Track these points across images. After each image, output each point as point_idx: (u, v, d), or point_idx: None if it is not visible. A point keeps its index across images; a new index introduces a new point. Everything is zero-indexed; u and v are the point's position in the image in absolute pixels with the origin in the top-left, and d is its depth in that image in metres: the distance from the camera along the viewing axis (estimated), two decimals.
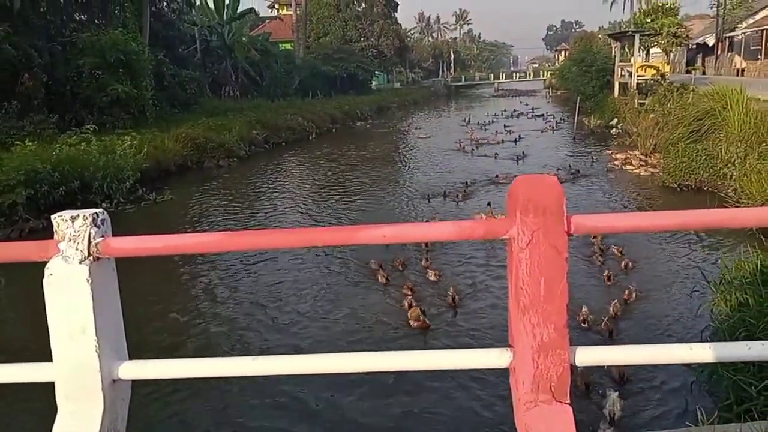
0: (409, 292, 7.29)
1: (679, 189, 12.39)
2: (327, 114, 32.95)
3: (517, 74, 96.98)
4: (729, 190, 11.19)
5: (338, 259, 8.96)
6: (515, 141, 21.78)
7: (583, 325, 6.11)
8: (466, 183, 14.06)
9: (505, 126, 25.95)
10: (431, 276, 7.88)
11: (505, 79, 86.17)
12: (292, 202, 14.25)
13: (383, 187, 15.06)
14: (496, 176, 14.64)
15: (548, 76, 71.16)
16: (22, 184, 11.36)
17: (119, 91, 18.92)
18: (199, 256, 9.46)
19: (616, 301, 6.56)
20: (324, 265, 8.78)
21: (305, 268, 8.76)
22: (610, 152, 18.46)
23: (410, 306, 6.77)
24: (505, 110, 35.22)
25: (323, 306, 7.26)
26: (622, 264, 7.93)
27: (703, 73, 36.35)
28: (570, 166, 15.67)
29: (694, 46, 41.93)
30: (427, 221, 8.69)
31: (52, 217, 2.18)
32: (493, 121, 28.87)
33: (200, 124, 21.48)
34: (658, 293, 7.08)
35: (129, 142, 15.66)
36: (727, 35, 38.30)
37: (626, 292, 6.90)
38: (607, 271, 7.59)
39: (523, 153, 18.70)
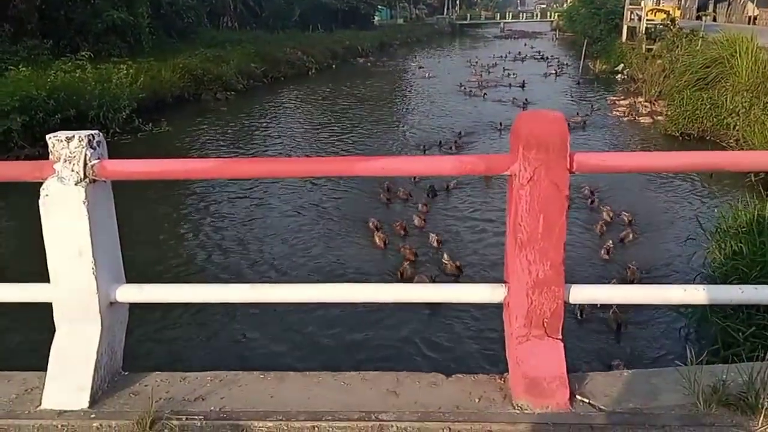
0: (411, 257, 6.66)
1: (681, 138, 12.30)
2: (327, 49, 32.25)
3: (524, 14, 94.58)
4: (731, 140, 11.12)
5: (334, 210, 8.67)
6: (522, 86, 21.04)
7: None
8: (459, 133, 13.28)
9: (508, 71, 24.97)
10: (433, 242, 7.14)
11: (512, 19, 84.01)
12: (289, 139, 14.11)
13: (381, 129, 14.72)
14: (500, 124, 13.70)
15: (556, 17, 69.39)
16: (16, 111, 11.20)
17: (115, 18, 18.43)
18: (197, 183, 9.46)
19: (610, 241, 6.66)
20: (318, 214, 8.55)
21: (300, 210, 8.72)
22: (615, 98, 18.20)
23: (402, 274, 6.25)
24: (509, 52, 34.32)
25: (314, 259, 6.99)
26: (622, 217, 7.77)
27: (714, 20, 35.45)
28: (578, 114, 15.07)
29: None
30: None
31: (47, 137, 2.15)
32: (497, 64, 28.07)
33: (197, 54, 21.04)
34: (653, 240, 7.12)
35: (125, 71, 15.37)
36: None
37: (623, 233, 6.96)
38: (601, 223, 7.52)
39: (526, 100, 18.14)
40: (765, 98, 10.80)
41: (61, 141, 2.11)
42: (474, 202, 8.78)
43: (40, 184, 2.15)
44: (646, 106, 15.96)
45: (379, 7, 55.33)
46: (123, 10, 18.97)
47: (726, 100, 11.84)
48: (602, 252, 6.60)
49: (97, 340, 2.24)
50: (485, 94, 19.44)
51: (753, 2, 34.77)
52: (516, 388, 2.16)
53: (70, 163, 2.10)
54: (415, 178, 9.10)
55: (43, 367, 2.24)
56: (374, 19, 53.38)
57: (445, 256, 6.46)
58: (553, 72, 24.96)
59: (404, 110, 18.18)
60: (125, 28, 19.08)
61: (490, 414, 2.11)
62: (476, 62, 28.71)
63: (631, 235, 6.92)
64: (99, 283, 2.19)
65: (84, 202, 2.10)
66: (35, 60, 15.17)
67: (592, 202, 8.32)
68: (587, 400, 2.14)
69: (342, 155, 11.65)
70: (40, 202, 2.14)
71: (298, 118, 17.24)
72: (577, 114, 14.87)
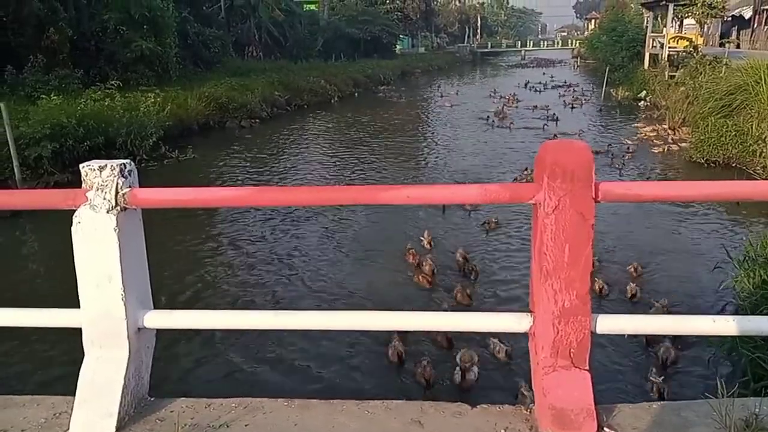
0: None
1: (706, 165, 12.16)
2: (350, 77, 32.67)
3: (545, 42, 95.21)
4: (758, 167, 10.96)
5: (365, 236, 8.67)
6: (548, 119, 19.54)
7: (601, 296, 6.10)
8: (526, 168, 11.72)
9: (532, 101, 24.27)
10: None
11: (533, 47, 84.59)
12: (312, 166, 14.23)
13: (403, 164, 14.36)
14: (525, 170, 11.85)
15: (577, 45, 69.60)
16: (47, 138, 11.48)
17: (143, 48, 18.93)
18: (224, 210, 9.58)
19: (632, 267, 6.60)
20: (351, 241, 8.57)
21: (331, 236, 8.75)
22: (638, 125, 18.11)
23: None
24: (528, 81, 34.03)
25: (343, 286, 6.93)
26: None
27: (738, 47, 35.27)
28: (609, 146, 14.56)
29: (730, 19, 40.54)
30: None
31: (81, 166, 2.21)
32: (517, 93, 27.42)
33: (223, 83, 21.45)
34: (680, 269, 7.01)
35: (152, 100, 15.71)
36: (766, 8, 36.99)
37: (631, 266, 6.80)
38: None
39: (554, 135, 17.78)
40: None
41: (94, 170, 2.17)
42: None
43: (73, 211, 2.21)
44: (670, 133, 15.84)
45: (401, 36, 56.03)
46: (151, 40, 19.48)
47: (752, 127, 11.70)
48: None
49: (124, 365, 2.27)
50: (512, 123, 18.91)
51: None
52: (542, 419, 2.14)
53: (102, 191, 2.16)
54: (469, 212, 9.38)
55: (71, 392, 2.27)
56: (396, 48, 54.01)
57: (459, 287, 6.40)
58: (578, 103, 24.45)
59: (426, 143, 17.86)
60: (153, 57, 19.57)
61: None
62: (497, 92, 28.38)
63: (638, 292, 6.18)
64: (127, 308, 2.23)
65: (115, 230, 2.15)
66: (66, 89, 15.60)
67: None
68: None
69: (366, 184, 11.72)
70: (72, 229, 2.19)
71: (321, 145, 17.41)
72: (607, 150, 14.43)
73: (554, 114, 20.34)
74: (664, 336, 4.90)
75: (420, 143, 17.61)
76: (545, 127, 18.04)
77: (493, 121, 19.77)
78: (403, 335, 5.15)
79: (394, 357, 4.92)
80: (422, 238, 7.92)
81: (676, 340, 4.96)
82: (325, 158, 15.34)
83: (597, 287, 6.10)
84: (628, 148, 14.19)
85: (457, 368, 4.57)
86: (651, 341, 5.07)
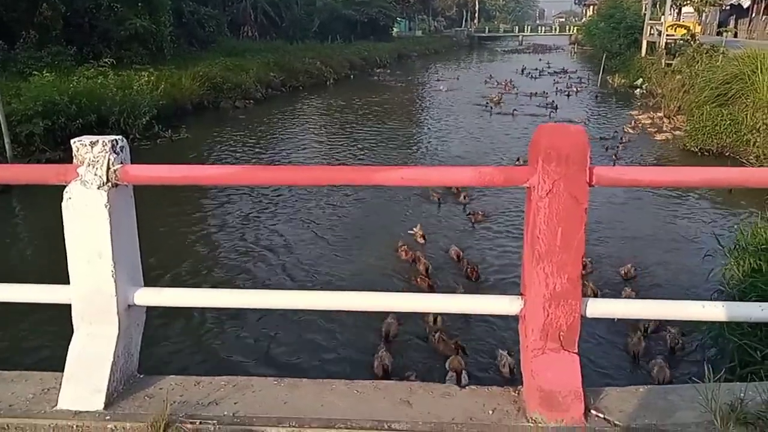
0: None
1: (700, 153, 12.19)
2: (346, 60, 32.43)
3: (543, 28, 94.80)
4: (751, 157, 10.99)
5: (356, 226, 8.55)
6: (547, 107, 19.31)
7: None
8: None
9: (529, 88, 23.97)
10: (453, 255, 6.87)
11: (530, 32, 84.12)
12: (306, 147, 14.17)
13: (398, 147, 14.15)
14: (518, 160, 11.70)
15: (574, 31, 69.28)
16: (39, 115, 11.37)
17: (137, 26, 18.71)
18: (216, 189, 9.54)
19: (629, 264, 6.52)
20: (343, 220, 8.61)
21: (321, 216, 8.76)
22: (633, 113, 18.10)
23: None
24: (525, 68, 33.64)
25: (335, 266, 6.93)
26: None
27: (735, 36, 35.19)
28: (605, 133, 14.60)
29: (728, 7, 40.41)
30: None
31: (72, 141, 2.19)
32: (514, 80, 27.15)
33: (218, 63, 21.27)
34: (671, 257, 7.05)
35: (146, 78, 15.57)
36: None
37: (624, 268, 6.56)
38: None
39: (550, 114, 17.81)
40: None
41: (86, 145, 2.15)
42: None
43: (63, 187, 2.19)
44: (665, 121, 15.84)
45: (398, 19, 55.61)
46: (146, 18, 19.26)
47: (746, 117, 11.72)
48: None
49: (114, 342, 2.26)
50: (515, 110, 18.40)
51: None
52: (530, 401, 2.15)
53: (93, 167, 2.14)
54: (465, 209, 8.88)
55: (60, 367, 2.27)
56: (393, 30, 53.63)
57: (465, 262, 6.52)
58: (570, 88, 24.35)
59: (421, 128, 17.75)
60: (147, 36, 19.36)
61: (504, 427, 2.10)
62: (492, 78, 28.02)
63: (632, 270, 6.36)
64: (118, 285, 2.22)
65: (106, 206, 2.13)
66: (59, 66, 15.42)
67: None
68: (602, 416, 2.12)
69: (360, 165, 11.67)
70: (63, 204, 2.17)
71: (315, 127, 17.33)
72: (603, 137, 14.47)
73: (553, 102, 20.12)
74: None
75: (415, 128, 17.53)
76: (551, 114, 17.85)
77: (491, 107, 19.56)
78: (389, 346, 4.89)
79: (379, 370, 4.58)
80: (414, 231, 7.52)
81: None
82: (319, 140, 15.28)
83: (590, 291, 5.57)
84: (622, 138, 14.17)
85: (451, 374, 4.45)
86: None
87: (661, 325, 5.13)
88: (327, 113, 19.98)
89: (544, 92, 22.43)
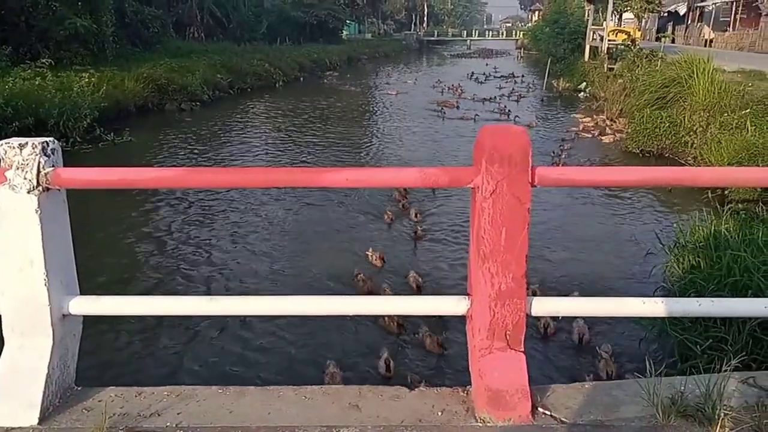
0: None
1: (641, 155, 12.60)
2: (295, 62, 32.18)
3: (490, 32, 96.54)
4: (689, 158, 11.44)
5: (304, 220, 8.66)
6: (500, 112, 19.22)
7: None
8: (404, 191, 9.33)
9: (475, 92, 23.92)
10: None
11: (478, 37, 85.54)
12: (254, 151, 13.98)
13: (348, 151, 14.08)
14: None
15: (521, 36, 70.77)
16: None
17: (77, 25, 18.07)
18: (158, 191, 9.28)
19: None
20: (287, 223, 8.55)
21: (267, 219, 8.66)
22: (577, 115, 18.58)
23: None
24: (473, 73, 33.83)
25: (279, 270, 6.80)
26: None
27: (673, 41, 36.61)
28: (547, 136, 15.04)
29: (666, 14, 42.01)
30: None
31: None
32: (462, 84, 27.05)
33: (162, 64, 20.74)
34: (612, 255, 7.25)
35: (87, 80, 15.08)
36: (699, 5, 38.52)
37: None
38: None
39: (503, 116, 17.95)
40: (721, 117, 11.15)
41: (14, 148, 2.04)
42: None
43: None
44: (607, 124, 16.32)
45: (348, 21, 55.59)
46: (86, 18, 18.63)
47: (684, 119, 12.19)
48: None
49: (48, 353, 2.16)
50: (476, 115, 17.99)
51: (709, 26, 36.05)
52: (478, 400, 2.16)
53: (22, 170, 2.04)
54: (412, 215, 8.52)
55: None
56: (342, 33, 53.59)
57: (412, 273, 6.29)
58: (513, 92, 24.42)
59: (373, 128, 17.77)
60: (88, 36, 18.72)
61: (453, 427, 2.10)
62: (441, 82, 27.81)
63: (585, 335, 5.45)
64: (51, 294, 2.12)
65: (36, 211, 2.04)
66: None
67: None
68: (549, 413, 2.15)
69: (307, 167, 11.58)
70: None
71: (263, 130, 17.10)
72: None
73: (505, 107, 19.98)
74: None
75: (365, 131, 17.49)
76: (504, 118, 17.82)
77: (443, 111, 19.44)
78: (394, 352, 4.79)
79: (383, 369, 4.53)
80: (368, 254, 6.87)
81: None
82: (267, 143, 15.09)
83: (542, 324, 5.15)
84: (563, 140, 14.51)
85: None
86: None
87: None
88: (275, 116, 19.76)
89: (493, 97, 22.71)
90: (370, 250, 6.95)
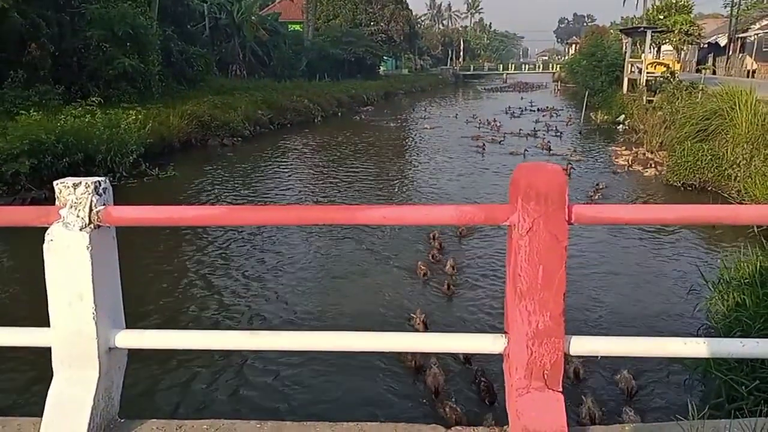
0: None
1: (683, 188, 12.36)
2: (333, 97, 32.83)
3: (527, 66, 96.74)
4: (733, 191, 11.17)
5: (345, 256, 8.72)
6: (542, 148, 18.71)
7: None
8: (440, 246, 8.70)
9: (512, 128, 23.44)
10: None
11: (514, 70, 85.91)
12: (293, 186, 14.22)
13: (386, 185, 14.30)
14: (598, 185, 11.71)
15: (557, 69, 70.78)
16: (25, 154, 11.37)
17: (126, 65, 18.87)
18: (202, 229, 9.49)
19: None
20: (327, 261, 8.65)
21: (307, 256, 8.76)
22: (616, 148, 18.39)
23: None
24: (510, 107, 33.12)
25: (319, 306, 6.84)
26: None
27: (714, 73, 36.11)
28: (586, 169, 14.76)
29: (706, 46, 41.63)
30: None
31: (55, 183, 2.19)
32: (498, 119, 26.81)
33: (206, 101, 21.44)
34: (654, 291, 7.08)
35: (134, 117, 15.63)
36: (740, 36, 38.00)
37: None
38: None
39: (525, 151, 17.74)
40: (765, 150, 10.90)
41: (68, 187, 2.15)
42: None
43: (45, 228, 2.18)
44: (647, 157, 16.10)
45: (385, 57, 56.57)
46: (134, 57, 19.43)
47: (727, 152, 11.95)
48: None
49: (94, 385, 2.22)
50: (483, 152, 17.95)
51: (752, 56, 35.48)
52: None
53: (75, 209, 2.13)
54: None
55: (40, 413, 2.22)
56: (380, 69, 54.50)
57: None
58: (558, 126, 24.03)
59: (411, 163, 17.69)
60: (136, 75, 19.51)
61: None
62: (477, 117, 27.48)
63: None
64: (99, 328, 2.19)
65: (87, 248, 2.12)
66: (46, 105, 15.49)
67: None
68: None
69: (345, 204, 11.69)
70: (45, 246, 2.16)
71: (303, 165, 17.41)
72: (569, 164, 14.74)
73: (548, 142, 19.55)
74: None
75: (404, 166, 17.54)
76: (546, 152, 17.52)
77: (483, 145, 19.20)
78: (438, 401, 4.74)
79: (432, 386, 4.76)
80: (414, 317, 6.26)
81: None
82: (306, 178, 15.34)
83: (572, 369, 5.00)
84: (602, 173, 14.31)
85: None
86: None
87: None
88: (314, 150, 20.11)
89: (533, 131, 22.58)
90: (417, 311, 6.35)
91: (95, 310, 2.17)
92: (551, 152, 17.85)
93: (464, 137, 21.58)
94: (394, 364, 5.31)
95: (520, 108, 33.53)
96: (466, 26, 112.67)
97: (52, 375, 2.26)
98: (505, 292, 2.26)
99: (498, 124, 24.86)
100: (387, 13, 54.53)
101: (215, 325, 6.23)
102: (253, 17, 35.24)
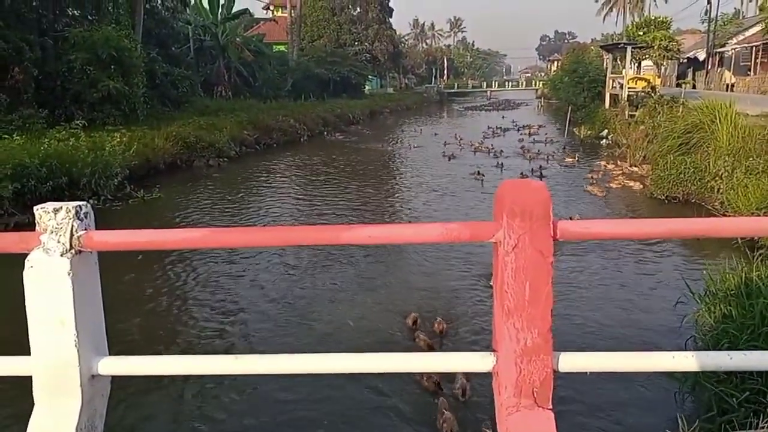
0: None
1: (666, 201, 12.49)
2: (319, 117, 32.92)
3: (510, 83, 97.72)
4: (716, 203, 11.30)
5: (329, 278, 8.70)
6: (532, 172, 17.39)
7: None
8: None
9: (495, 147, 22.70)
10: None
11: (498, 87, 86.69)
12: (280, 206, 14.18)
13: (374, 204, 14.34)
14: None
15: (540, 85, 71.59)
16: (8, 178, 11.25)
17: (110, 88, 18.80)
18: (187, 252, 9.41)
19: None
20: (313, 282, 8.62)
21: (292, 270, 8.72)
22: (600, 162, 18.56)
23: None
24: (488, 127, 31.71)
25: (306, 328, 6.76)
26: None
27: (693, 87, 36.67)
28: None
29: (685, 60, 42.30)
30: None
31: (35, 208, 2.15)
32: (484, 138, 26.66)
33: (191, 122, 21.40)
34: (641, 305, 7.11)
35: (119, 139, 15.58)
36: (718, 50, 38.71)
37: None
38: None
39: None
40: (746, 162, 11.05)
41: (49, 212, 2.11)
42: None
43: (25, 255, 2.14)
44: (631, 171, 16.27)
45: (370, 76, 56.91)
46: (119, 80, 19.37)
47: (709, 164, 12.10)
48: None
49: (77, 414, 2.17)
50: (522, 173, 16.87)
51: (730, 71, 36.12)
52: None
53: (56, 234, 2.10)
54: None
55: None
56: (365, 88, 54.79)
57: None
58: (529, 152, 21.97)
59: (399, 184, 17.71)
60: (120, 97, 19.43)
61: None
62: (463, 140, 25.73)
63: None
64: (81, 355, 2.15)
65: (69, 273, 2.09)
66: (30, 129, 15.38)
67: None
68: None
69: (330, 224, 11.67)
70: (24, 273, 2.12)
71: (289, 184, 17.39)
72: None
73: (540, 166, 18.13)
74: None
75: (391, 187, 17.53)
76: (536, 173, 16.85)
77: (482, 175, 17.14)
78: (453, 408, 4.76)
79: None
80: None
81: None
82: (292, 197, 15.32)
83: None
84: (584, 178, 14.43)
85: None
86: None
87: None
88: (300, 169, 20.10)
89: (522, 147, 22.55)
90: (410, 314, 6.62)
91: (77, 336, 2.12)
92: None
93: (445, 159, 21.21)
94: (393, 381, 5.27)
95: (501, 128, 31.73)
96: (450, 45, 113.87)
97: (33, 404, 2.21)
98: (492, 310, 2.25)
99: (480, 144, 23.91)
100: (371, 33, 55.03)
101: (199, 349, 6.15)
102: (237, 38, 35.35)
